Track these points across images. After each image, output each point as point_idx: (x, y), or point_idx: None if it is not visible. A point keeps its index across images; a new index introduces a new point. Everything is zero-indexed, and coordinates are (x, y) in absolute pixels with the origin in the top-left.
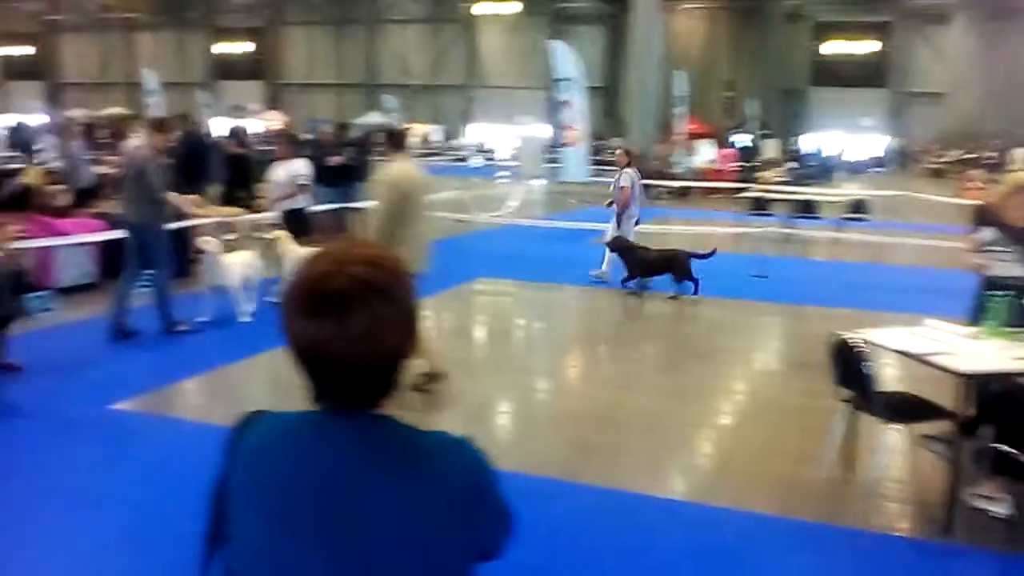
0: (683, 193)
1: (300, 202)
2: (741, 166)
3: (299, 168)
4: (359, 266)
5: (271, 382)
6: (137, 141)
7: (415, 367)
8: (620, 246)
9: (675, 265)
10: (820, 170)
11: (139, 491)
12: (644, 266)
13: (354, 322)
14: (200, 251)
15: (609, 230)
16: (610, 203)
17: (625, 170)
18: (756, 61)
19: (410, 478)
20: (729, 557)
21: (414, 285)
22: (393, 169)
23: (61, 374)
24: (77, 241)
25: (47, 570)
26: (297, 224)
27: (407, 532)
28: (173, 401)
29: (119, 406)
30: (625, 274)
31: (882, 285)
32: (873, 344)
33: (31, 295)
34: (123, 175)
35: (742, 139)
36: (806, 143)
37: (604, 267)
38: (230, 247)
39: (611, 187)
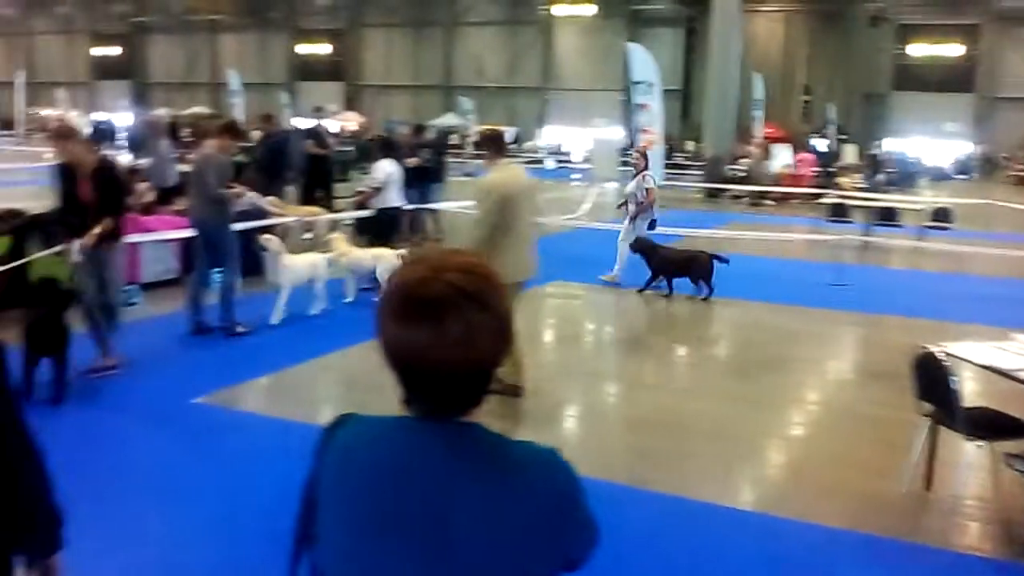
0: (759, 199)
1: (386, 202)
2: (818, 172)
3: (385, 168)
4: (455, 273)
5: (344, 381)
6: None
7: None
8: (643, 247)
9: (697, 266)
10: (901, 176)
11: (220, 484)
12: (668, 266)
13: (448, 329)
14: (263, 249)
15: (623, 232)
16: (621, 205)
17: (645, 173)
18: (836, 64)
19: (499, 486)
20: (799, 571)
21: (507, 294)
22: (495, 174)
23: (146, 368)
24: (161, 238)
25: (131, 558)
26: (381, 225)
27: (494, 539)
28: (250, 397)
29: (201, 400)
30: (648, 276)
31: (965, 296)
32: (957, 358)
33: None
34: (191, 174)
35: (820, 144)
36: (887, 148)
37: (616, 270)
38: (309, 247)
39: (627, 190)
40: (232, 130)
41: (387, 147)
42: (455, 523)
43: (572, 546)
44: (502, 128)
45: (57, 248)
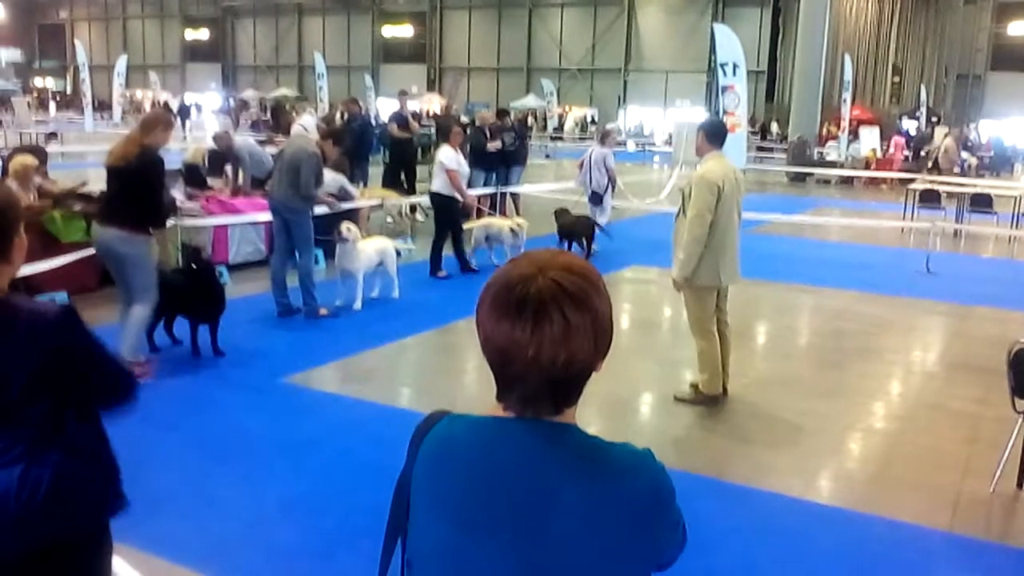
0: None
1: (435, 187)
2: (908, 155)
3: (439, 155)
4: (558, 271)
5: (423, 365)
6: (300, 126)
7: None
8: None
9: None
10: (997, 161)
11: (302, 463)
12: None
13: (546, 327)
14: (340, 236)
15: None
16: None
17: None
18: (928, 44)
19: (597, 488)
20: (883, 569)
21: (607, 295)
22: (711, 164)
23: (237, 347)
24: (249, 220)
25: (216, 534)
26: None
27: (591, 540)
28: (333, 377)
29: (287, 380)
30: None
31: None
32: None
33: None
34: (280, 157)
35: (910, 126)
36: (982, 131)
37: None
38: (390, 230)
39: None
40: (337, 138)
41: (440, 133)
42: (553, 524)
43: (664, 548)
44: (718, 119)
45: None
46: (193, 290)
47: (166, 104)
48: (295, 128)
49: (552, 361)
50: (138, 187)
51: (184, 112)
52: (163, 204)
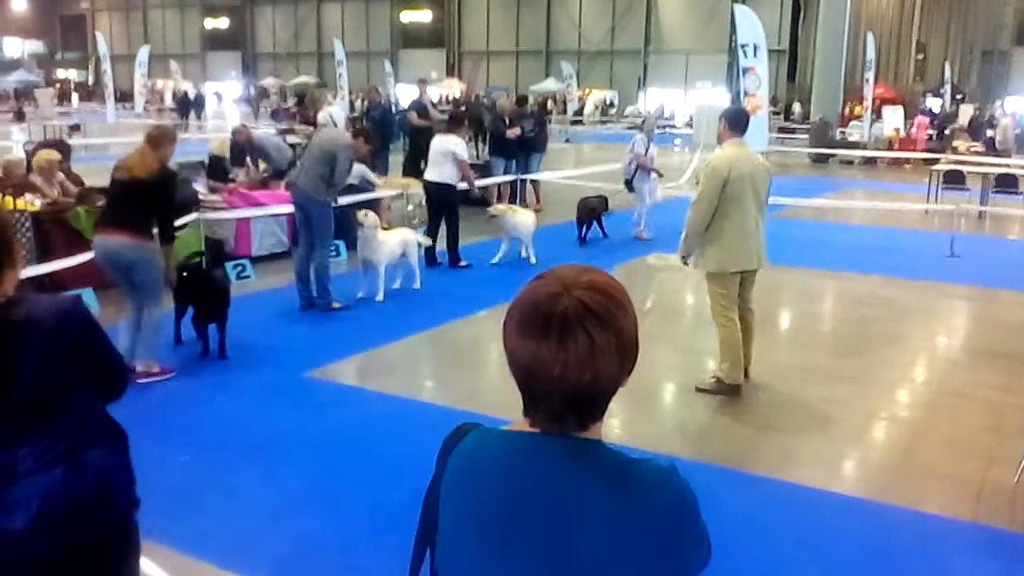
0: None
1: (434, 176)
2: (931, 135)
3: (449, 144)
4: (583, 290)
5: (445, 357)
6: (327, 115)
7: None
8: None
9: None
10: (1022, 138)
11: (326, 457)
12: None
13: (571, 346)
14: (360, 225)
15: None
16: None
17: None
18: (952, 20)
19: (624, 504)
20: (907, 561)
21: (634, 312)
22: (725, 151)
23: (260, 341)
24: (271, 212)
25: (242, 528)
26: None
27: (619, 556)
28: (356, 371)
29: (310, 374)
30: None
31: None
32: None
33: (231, 264)
34: (307, 148)
35: (935, 104)
36: (1009, 108)
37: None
38: (408, 220)
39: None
40: (367, 137)
41: (453, 121)
42: (581, 540)
43: (690, 564)
44: (740, 106)
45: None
46: (193, 290)
47: (185, 94)
48: (322, 117)
49: (578, 380)
50: (157, 202)
51: (199, 102)
52: (173, 219)
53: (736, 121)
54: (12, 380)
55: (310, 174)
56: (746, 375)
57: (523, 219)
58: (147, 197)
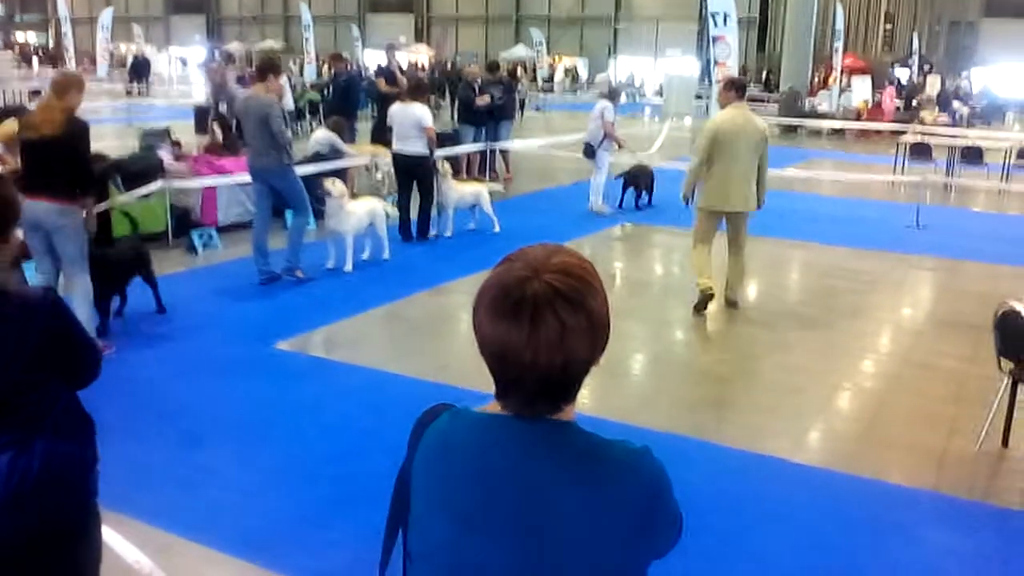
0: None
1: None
2: (899, 106)
3: (415, 113)
4: (553, 273)
5: (414, 328)
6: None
7: None
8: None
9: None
10: (989, 110)
11: (295, 429)
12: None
13: (543, 330)
14: (327, 194)
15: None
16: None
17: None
18: None
19: (596, 486)
20: (871, 529)
21: (604, 292)
22: (720, 115)
23: (227, 313)
24: (238, 181)
25: (210, 502)
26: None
27: (590, 537)
28: (325, 342)
29: (281, 345)
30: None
31: None
32: None
33: (196, 233)
34: (245, 122)
35: (903, 74)
36: (975, 80)
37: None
38: (374, 189)
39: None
40: (272, 68)
41: (416, 88)
42: (554, 522)
43: (661, 541)
44: (742, 78)
45: (140, 192)
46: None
47: (135, 57)
48: (230, 87)
49: (550, 364)
50: (70, 156)
51: (142, 67)
52: (93, 170)
53: (734, 89)
54: None
55: (256, 143)
56: (728, 301)
57: (463, 189)
58: (59, 152)
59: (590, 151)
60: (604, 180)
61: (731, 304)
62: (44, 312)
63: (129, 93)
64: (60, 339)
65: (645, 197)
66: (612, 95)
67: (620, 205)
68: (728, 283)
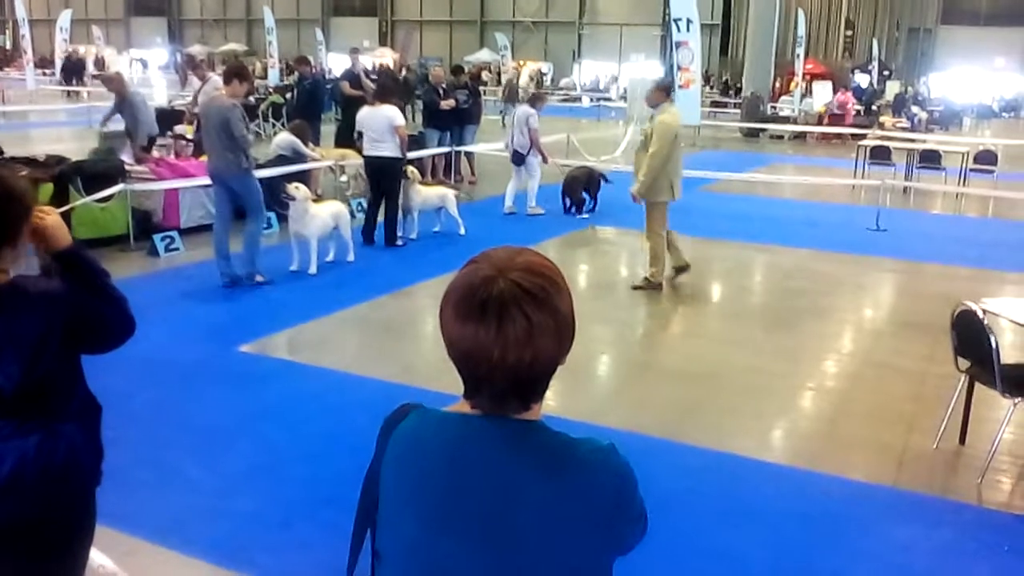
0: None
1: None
2: (859, 111)
3: (387, 115)
4: (518, 272)
5: (380, 330)
6: (212, 87)
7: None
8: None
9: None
10: (946, 115)
11: (262, 432)
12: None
13: (510, 329)
14: (290, 198)
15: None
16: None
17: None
18: None
19: (562, 485)
20: (833, 525)
21: (569, 291)
22: (668, 115)
23: (191, 315)
24: (199, 183)
25: (179, 505)
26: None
27: (556, 535)
28: (291, 345)
29: (245, 348)
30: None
31: (1007, 243)
32: (996, 315)
33: (158, 236)
34: (205, 125)
35: (862, 80)
36: (933, 85)
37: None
38: (341, 192)
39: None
40: (240, 74)
41: (384, 90)
42: (519, 521)
43: (626, 538)
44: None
45: (101, 194)
46: None
47: (68, 57)
48: (206, 89)
49: (518, 362)
50: None
51: (73, 69)
52: None
53: (669, 89)
54: None
55: (216, 146)
56: (685, 269)
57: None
58: None
59: (519, 158)
60: (537, 184)
61: (685, 269)
62: (63, 299)
63: (69, 95)
64: (84, 316)
65: (590, 203)
66: (534, 101)
67: (567, 210)
68: (679, 256)
